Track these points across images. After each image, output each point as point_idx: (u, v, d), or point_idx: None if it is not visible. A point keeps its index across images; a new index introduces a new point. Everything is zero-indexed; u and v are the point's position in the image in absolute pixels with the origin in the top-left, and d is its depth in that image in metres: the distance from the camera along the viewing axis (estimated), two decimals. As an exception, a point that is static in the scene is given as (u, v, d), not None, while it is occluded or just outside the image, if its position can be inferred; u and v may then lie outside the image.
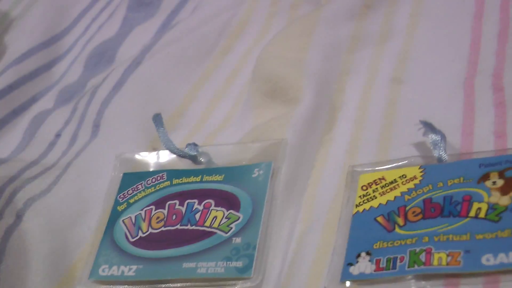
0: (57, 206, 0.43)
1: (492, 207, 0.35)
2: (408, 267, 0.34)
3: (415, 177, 0.39)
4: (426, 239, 0.35)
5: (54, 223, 0.42)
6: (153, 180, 0.44)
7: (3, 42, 0.63)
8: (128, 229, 0.41)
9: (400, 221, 0.37)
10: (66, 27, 0.65)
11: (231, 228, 0.39)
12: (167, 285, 0.38)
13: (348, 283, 0.35)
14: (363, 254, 0.36)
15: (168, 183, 0.44)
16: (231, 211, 0.40)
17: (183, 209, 0.41)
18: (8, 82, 0.57)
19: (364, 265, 0.36)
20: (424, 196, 0.38)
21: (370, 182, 0.40)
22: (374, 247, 0.36)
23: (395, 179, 0.39)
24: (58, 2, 0.67)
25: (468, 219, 0.35)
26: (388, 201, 0.38)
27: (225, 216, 0.40)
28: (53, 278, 0.40)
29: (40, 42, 0.62)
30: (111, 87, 0.52)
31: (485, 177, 0.37)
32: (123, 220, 0.42)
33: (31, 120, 0.54)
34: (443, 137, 0.40)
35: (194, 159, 0.45)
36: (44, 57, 0.61)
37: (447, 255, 0.34)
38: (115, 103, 0.50)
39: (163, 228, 0.41)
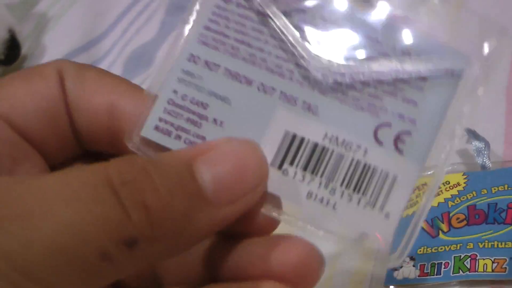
0: None
1: (537, 214, 0.36)
2: (453, 273, 0.34)
3: (458, 184, 0.39)
4: (471, 245, 0.35)
5: None
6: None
7: (42, 43, 0.64)
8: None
9: (444, 227, 0.37)
10: (104, 31, 0.65)
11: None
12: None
13: (392, 288, 0.36)
14: (407, 259, 0.36)
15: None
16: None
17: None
18: (49, 84, 0.57)
19: (408, 270, 0.36)
20: (468, 203, 0.38)
21: (413, 188, 0.40)
22: (418, 252, 0.36)
23: (438, 186, 0.39)
24: (96, 6, 0.67)
25: (513, 226, 0.36)
26: (432, 207, 0.38)
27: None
28: None
29: (79, 46, 0.63)
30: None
31: (530, 185, 0.37)
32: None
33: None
34: (487, 144, 0.40)
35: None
36: (83, 61, 0.61)
37: (493, 262, 0.34)
38: None
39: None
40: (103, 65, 0.61)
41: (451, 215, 0.37)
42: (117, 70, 0.59)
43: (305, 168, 0.25)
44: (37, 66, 0.29)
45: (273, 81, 0.26)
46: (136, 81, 0.57)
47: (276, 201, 0.26)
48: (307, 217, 0.26)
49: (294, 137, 0.26)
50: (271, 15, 0.27)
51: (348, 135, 0.25)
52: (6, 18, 0.57)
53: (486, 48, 0.25)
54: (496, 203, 0.37)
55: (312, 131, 0.26)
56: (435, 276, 0.35)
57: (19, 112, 0.27)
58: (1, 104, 0.27)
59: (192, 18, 0.27)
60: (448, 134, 0.25)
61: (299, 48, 0.26)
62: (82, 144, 0.29)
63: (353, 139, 0.25)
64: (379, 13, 0.26)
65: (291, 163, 0.26)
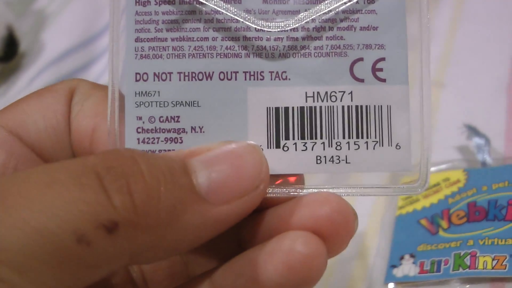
0: None
1: (538, 211, 0.35)
2: (453, 270, 0.34)
3: (458, 181, 0.39)
4: (471, 242, 0.35)
5: None
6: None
7: (40, 39, 0.64)
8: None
9: (444, 224, 0.37)
10: (103, 28, 0.65)
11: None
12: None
13: (391, 285, 0.35)
14: (406, 256, 0.36)
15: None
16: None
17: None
18: (48, 81, 0.57)
19: (408, 268, 0.35)
20: (468, 200, 0.37)
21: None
22: (418, 249, 0.36)
23: (438, 182, 0.39)
24: (95, 2, 0.67)
25: (513, 223, 0.35)
26: (431, 204, 0.38)
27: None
28: None
29: (78, 43, 0.62)
30: None
31: (531, 181, 0.37)
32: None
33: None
34: (487, 141, 0.40)
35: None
36: (81, 57, 0.61)
37: (493, 259, 0.34)
38: None
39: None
40: (102, 63, 0.61)
41: (451, 212, 0.37)
42: (115, 67, 0.59)
43: (302, 137, 0.25)
44: (53, 84, 0.28)
45: (231, 65, 0.25)
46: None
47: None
48: (327, 181, 0.26)
49: (277, 110, 0.25)
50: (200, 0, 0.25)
51: (327, 86, 0.25)
52: (5, 15, 0.57)
53: None
54: (497, 200, 0.37)
55: (292, 97, 0.25)
56: (435, 273, 0.34)
57: (29, 128, 0.27)
58: (14, 120, 0.27)
59: (118, 35, 0.25)
60: (417, 45, 0.26)
61: (243, 21, 0.25)
62: None
63: (334, 87, 0.25)
64: None
65: (287, 137, 0.25)
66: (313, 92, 0.25)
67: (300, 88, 0.25)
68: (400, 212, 0.38)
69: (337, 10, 0.25)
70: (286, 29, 0.25)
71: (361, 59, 0.25)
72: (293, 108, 0.25)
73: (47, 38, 0.64)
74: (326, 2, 0.25)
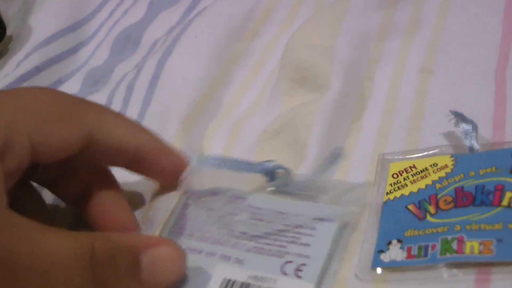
0: None
1: (525, 197, 0.35)
2: (440, 255, 0.34)
3: (446, 166, 0.39)
4: (458, 227, 0.35)
5: None
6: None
7: (28, 24, 0.63)
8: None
9: (432, 209, 0.37)
10: (91, 12, 0.65)
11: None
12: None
13: (379, 270, 0.35)
14: (394, 241, 0.36)
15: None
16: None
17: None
18: (35, 63, 0.57)
19: (395, 253, 0.36)
20: (456, 185, 0.38)
21: (401, 170, 0.40)
22: (405, 235, 0.36)
23: (426, 168, 0.39)
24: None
25: (500, 208, 0.35)
26: (419, 189, 0.38)
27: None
28: None
29: (65, 26, 0.62)
30: (148, 83, 0.51)
31: (518, 166, 0.37)
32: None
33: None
34: (475, 126, 0.40)
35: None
36: (69, 41, 0.61)
37: (479, 244, 0.34)
38: (155, 101, 0.51)
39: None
40: (90, 46, 0.61)
41: (438, 197, 0.37)
42: (104, 51, 0.59)
43: None
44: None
45: (215, 248, 0.38)
46: (123, 63, 0.56)
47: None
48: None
49: (228, 281, 0.36)
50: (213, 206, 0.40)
51: (263, 272, 0.36)
52: (-9, -2, 0.57)
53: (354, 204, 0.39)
54: (484, 185, 0.37)
55: (240, 275, 0.36)
56: (422, 258, 0.35)
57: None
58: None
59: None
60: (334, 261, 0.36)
61: (231, 226, 0.39)
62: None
63: (267, 274, 0.36)
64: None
65: None
66: (253, 275, 0.36)
67: (247, 271, 0.37)
68: (388, 197, 0.39)
69: (289, 229, 0.38)
70: (254, 234, 0.38)
71: (291, 261, 0.36)
72: (238, 281, 0.36)
73: (34, 22, 0.63)
74: (283, 223, 0.38)
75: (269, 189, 0.41)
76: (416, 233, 0.36)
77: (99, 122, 0.37)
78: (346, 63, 0.47)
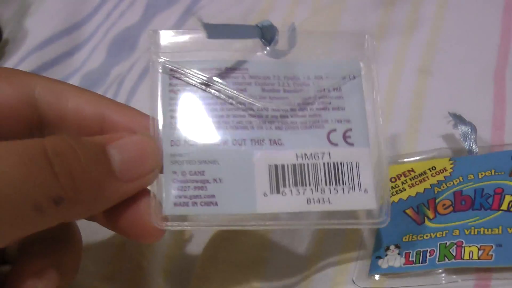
0: None
1: (525, 200, 0.35)
2: (439, 261, 0.34)
3: (445, 169, 0.38)
4: (457, 232, 0.35)
5: None
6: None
7: (24, 26, 0.63)
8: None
9: (430, 213, 0.36)
10: (87, 14, 0.64)
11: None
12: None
13: (377, 277, 0.35)
14: (392, 247, 0.36)
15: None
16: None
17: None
18: (31, 67, 0.56)
19: (393, 258, 0.35)
20: (455, 189, 0.37)
21: (399, 174, 0.39)
22: (403, 240, 0.36)
23: (424, 171, 0.39)
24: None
25: (500, 212, 0.35)
26: (417, 193, 0.38)
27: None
28: None
29: (61, 29, 0.61)
30: (137, 76, 0.51)
31: (517, 169, 0.37)
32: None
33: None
34: (474, 128, 0.39)
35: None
36: (65, 44, 0.60)
37: (479, 249, 0.33)
38: (141, 92, 0.50)
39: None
40: (86, 49, 0.60)
41: (437, 201, 0.37)
42: (100, 54, 0.58)
43: (296, 184, 0.33)
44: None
45: (240, 134, 0.33)
46: (120, 66, 0.56)
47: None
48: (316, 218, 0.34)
49: (276, 167, 0.33)
50: (216, 87, 0.34)
51: (311, 148, 0.33)
52: (-14, 2, 0.56)
53: (366, 50, 0.35)
54: (483, 189, 0.36)
55: (286, 157, 0.33)
56: (420, 264, 0.34)
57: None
58: None
59: (159, 109, 0.34)
60: (373, 118, 0.34)
61: (249, 102, 0.34)
62: None
63: (316, 149, 0.33)
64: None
65: (284, 185, 0.33)
66: (301, 154, 0.33)
67: (291, 151, 0.33)
68: (386, 201, 0.38)
69: (315, 96, 0.34)
70: (280, 109, 0.34)
71: (334, 130, 0.34)
72: (287, 165, 0.33)
73: (30, 25, 0.63)
74: (306, 91, 0.34)
75: (265, 52, 0.35)
76: (415, 238, 0.35)
77: (47, 89, 0.34)
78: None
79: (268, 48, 0.35)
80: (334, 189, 0.33)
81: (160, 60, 0.34)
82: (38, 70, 0.57)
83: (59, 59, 0.59)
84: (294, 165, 0.33)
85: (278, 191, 0.33)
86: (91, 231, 0.37)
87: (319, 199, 0.33)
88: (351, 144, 0.33)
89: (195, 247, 0.40)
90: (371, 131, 0.34)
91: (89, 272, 0.36)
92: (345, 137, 0.33)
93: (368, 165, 0.33)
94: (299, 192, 0.33)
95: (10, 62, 0.59)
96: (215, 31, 0.32)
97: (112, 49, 0.58)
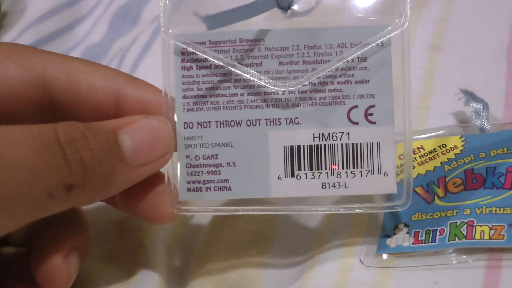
0: None
1: (538, 179, 0.34)
2: (449, 240, 0.33)
3: (455, 147, 0.37)
4: (468, 211, 0.34)
5: None
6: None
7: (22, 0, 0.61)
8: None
9: (440, 192, 0.35)
10: (89, -13, 0.63)
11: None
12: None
13: (385, 256, 0.34)
14: (401, 225, 0.35)
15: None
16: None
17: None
18: (30, 41, 0.55)
19: (402, 238, 0.34)
20: (466, 167, 0.36)
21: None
22: (413, 218, 0.35)
23: (434, 149, 0.38)
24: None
25: (512, 191, 0.34)
26: (427, 171, 0.37)
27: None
28: None
29: (62, 2, 0.60)
30: (140, 49, 0.50)
31: (531, 148, 0.35)
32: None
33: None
34: (486, 105, 0.38)
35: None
36: (66, 18, 0.59)
37: (490, 229, 0.32)
38: (144, 65, 0.49)
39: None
40: (88, 22, 0.59)
41: (447, 179, 0.36)
42: (101, 28, 0.57)
43: (311, 168, 0.32)
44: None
45: (255, 114, 0.32)
46: (122, 40, 0.55)
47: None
48: (331, 201, 0.34)
49: (292, 148, 0.32)
50: (230, 66, 0.32)
51: (330, 128, 0.31)
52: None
53: (398, 16, 0.32)
54: (495, 167, 0.35)
55: (303, 137, 0.32)
56: (430, 244, 0.33)
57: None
58: None
59: (171, 92, 0.33)
60: (400, 95, 0.31)
61: (261, 81, 0.32)
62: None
63: (333, 128, 0.31)
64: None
65: (299, 168, 0.32)
66: (319, 133, 0.32)
67: (309, 130, 0.32)
68: (395, 179, 0.37)
69: (337, 67, 0.32)
70: (297, 86, 0.32)
71: (355, 107, 0.32)
72: (303, 146, 0.32)
73: (28, -1, 0.62)
74: (327, 62, 0.32)
75: (286, 14, 0.33)
76: (424, 217, 0.34)
77: (58, 69, 0.33)
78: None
79: (288, 12, 0.32)
80: (352, 172, 0.32)
81: (171, 33, 0.33)
82: (38, 44, 0.55)
83: (60, 33, 0.57)
84: (310, 146, 0.32)
85: (292, 175, 0.32)
86: (90, 210, 0.36)
87: (334, 183, 0.32)
88: (373, 123, 0.31)
89: (198, 225, 0.39)
90: (397, 107, 0.32)
91: (89, 253, 0.35)
92: (366, 114, 0.31)
93: (391, 146, 0.32)
94: (314, 176, 0.32)
95: (8, 36, 0.57)
96: (218, 21, 0.31)
97: (114, 22, 0.57)
